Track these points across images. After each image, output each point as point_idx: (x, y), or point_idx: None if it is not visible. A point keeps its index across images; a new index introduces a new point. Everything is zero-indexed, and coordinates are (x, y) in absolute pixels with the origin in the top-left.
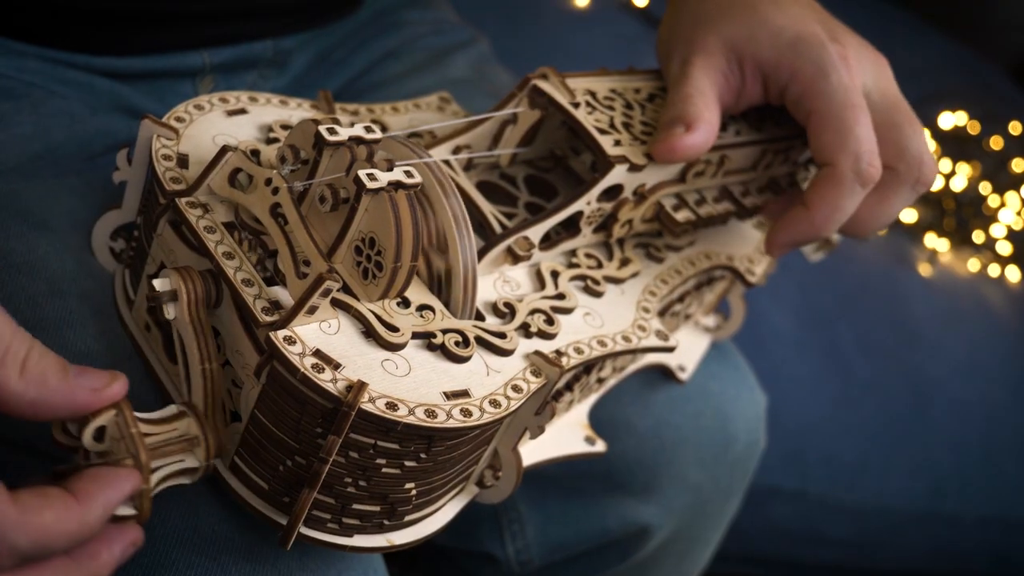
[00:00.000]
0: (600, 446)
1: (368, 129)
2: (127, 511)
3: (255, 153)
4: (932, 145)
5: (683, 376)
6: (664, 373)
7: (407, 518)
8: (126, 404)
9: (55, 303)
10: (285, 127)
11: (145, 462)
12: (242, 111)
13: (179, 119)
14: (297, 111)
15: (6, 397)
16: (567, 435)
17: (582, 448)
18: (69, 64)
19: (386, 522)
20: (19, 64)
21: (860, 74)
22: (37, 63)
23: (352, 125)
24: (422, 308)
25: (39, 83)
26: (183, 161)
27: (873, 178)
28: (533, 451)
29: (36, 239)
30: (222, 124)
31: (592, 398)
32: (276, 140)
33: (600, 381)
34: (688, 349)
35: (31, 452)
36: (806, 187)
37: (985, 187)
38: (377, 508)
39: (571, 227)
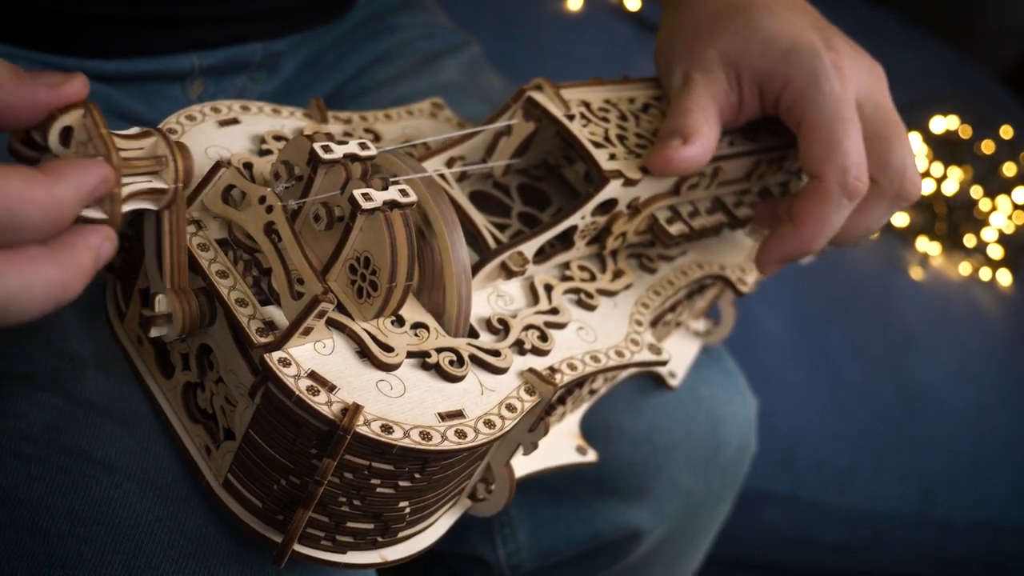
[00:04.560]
0: (591, 456)
1: (363, 146)
2: (98, 214)
3: (248, 166)
4: (924, 149)
5: (673, 383)
6: (654, 379)
7: (400, 534)
8: (94, 106)
9: None
10: (278, 138)
11: (116, 162)
12: (234, 121)
13: (171, 130)
14: (290, 120)
15: None
16: (558, 445)
17: (573, 458)
18: (58, 67)
19: (380, 539)
20: None
21: (854, 84)
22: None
23: (345, 136)
24: (416, 326)
25: None
26: None
27: (860, 192)
28: (525, 462)
29: None
30: (214, 135)
31: (584, 407)
32: (269, 152)
33: (592, 392)
34: (678, 355)
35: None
36: (793, 201)
37: (976, 191)
38: (371, 526)
39: (565, 241)
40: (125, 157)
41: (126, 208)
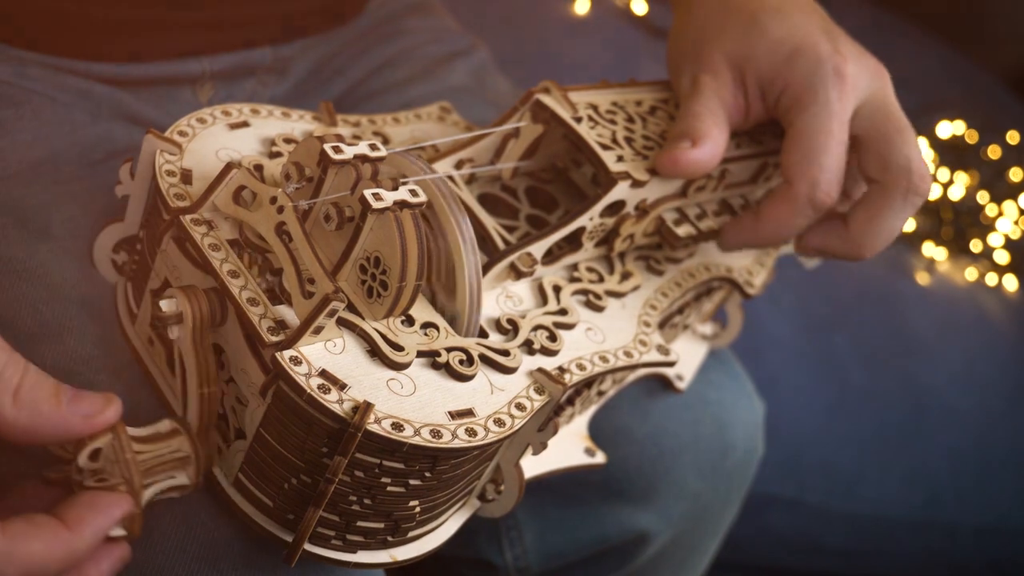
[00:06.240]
0: (600, 458)
1: (373, 147)
2: (117, 532)
3: (258, 168)
4: (930, 154)
5: (681, 385)
6: (662, 383)
7: (410, 534)
8: (122, 428)
9: (55, 309)
10: (288, 141)
11: (138, 487)
12: (244, 124)
13: (182, 133)
14: (299, 123)
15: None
16: (567, 447)
17: (582, 460)
18: (69, 71)
19: (390, 538)
20: (20, 71)
21: (855, 94)
22: (38, 70)
23: (355, 138)
24: (426, 326)
25: (40, 90)
26: (187, 177)
27: (825, 204)
28: (533, 464)
29: (37, 245)
30: (225, 138)
31: (592, 409)
32: (279, 154)
33: (600, 394)
34: (686, 358)
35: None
36: (764, 196)
37: (983, 196)
38: (381, 525)
39: (573, 242)
40: (149, 463)
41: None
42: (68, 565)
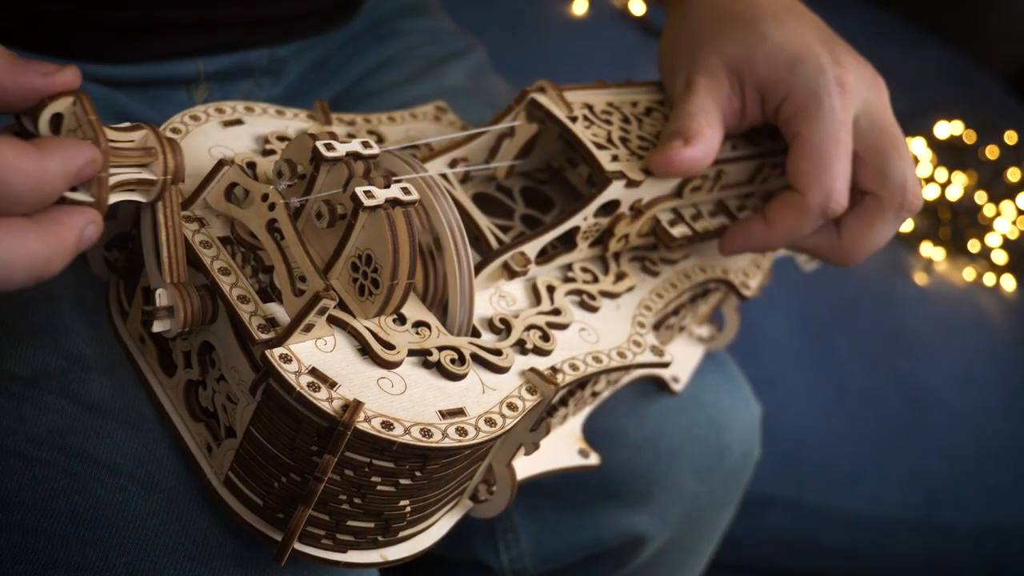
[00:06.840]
0: (594, 459)
1: (366, 144)
2: (85, 196)
3: (251, 166)
4: (928, 154)
5: (677, 387)
6: (658, 385)
7: (401, 534)
8: (84, 95)
9: (48, 308)
10: (282, 138)
11: (104, 146)
12: (238, 122)
13: (175, 130)
14: (294, 122)
15: None
16: (561, 448)
17: (576, 461)
18: None
19: (380, 538)
20: None
21: (855, 102)
22: None
23: (349, 137)
24: (418, 325)
25: None
26: None
27: (836, 213)
28: (527, 465)
29: None
30: (218, 135)
31: (586, 410)
32: (272, 152)
33: (594, 395)
34: (681, 360)
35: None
36: (772, 203)
37: (981, 196)
38: (371, 524)
39: (567, 242)
40: (114, 147)
41: (114, 198)
42: (37, 185)
